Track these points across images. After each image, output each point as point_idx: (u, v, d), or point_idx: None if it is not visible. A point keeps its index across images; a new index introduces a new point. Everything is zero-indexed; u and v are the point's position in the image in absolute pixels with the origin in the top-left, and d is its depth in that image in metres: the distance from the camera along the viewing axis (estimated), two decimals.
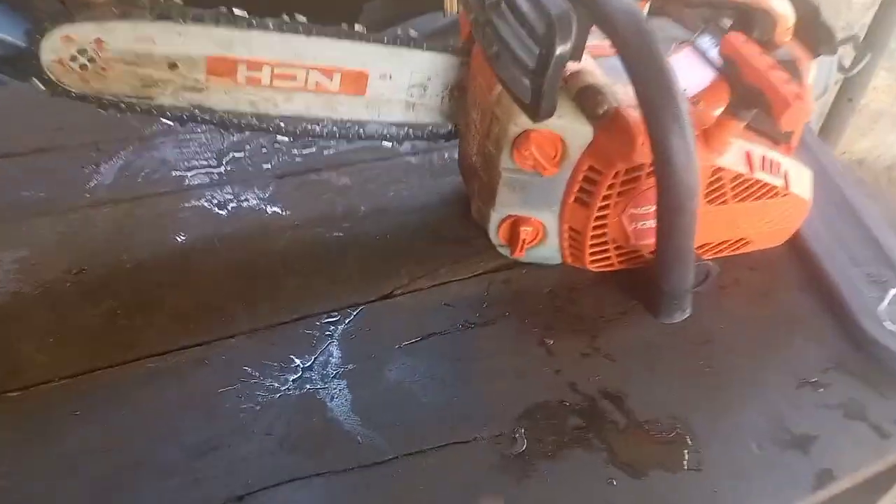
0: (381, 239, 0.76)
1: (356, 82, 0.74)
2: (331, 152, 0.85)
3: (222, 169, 0.82)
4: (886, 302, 0.74)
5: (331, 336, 0.66)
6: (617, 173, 0.65)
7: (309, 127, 0.78)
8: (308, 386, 0.62)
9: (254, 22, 0.67)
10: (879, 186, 0.93)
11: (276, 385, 0.62)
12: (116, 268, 0.70)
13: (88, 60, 0.64)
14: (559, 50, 0.53)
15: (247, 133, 0.74)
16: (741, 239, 0.75)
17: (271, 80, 0.71)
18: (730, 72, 0.65)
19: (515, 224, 0.72)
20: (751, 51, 0.64)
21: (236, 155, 0.83)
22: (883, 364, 0.70)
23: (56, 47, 0.63)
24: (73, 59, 0.64)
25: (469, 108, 0.75)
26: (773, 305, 0.75)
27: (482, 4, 0.65)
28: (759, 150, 0.71)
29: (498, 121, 0.67)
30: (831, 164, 0.90)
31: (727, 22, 0.77)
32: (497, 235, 0.73)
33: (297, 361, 0.64)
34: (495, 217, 0.72)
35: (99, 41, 0.64)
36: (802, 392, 0.66)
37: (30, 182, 0.78)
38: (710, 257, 0.76)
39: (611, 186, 0.66)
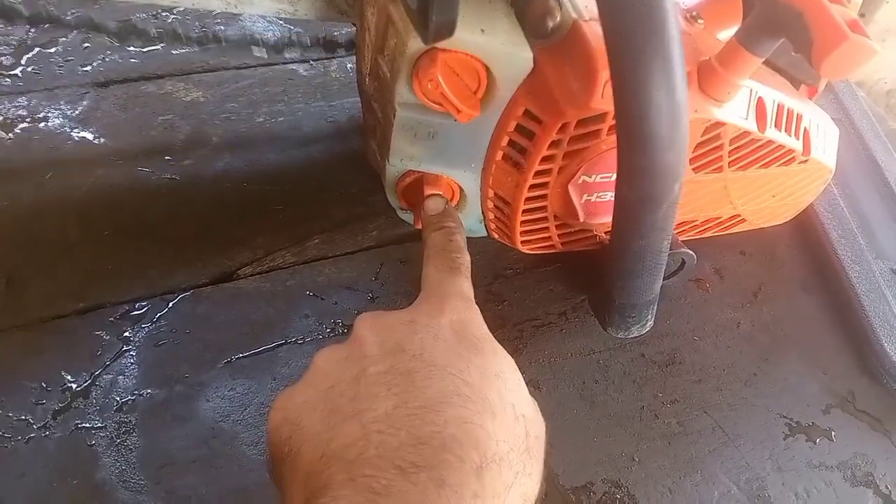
0: (233, 188, 0.54)
1: None
2: (181, 51, 0.61)
3: (20, 70, 0.58)
4: None
5: (127, 340, 0.45)
6: (565, 125, 0.43)
7: (135, 22, 0.54)
8: (77, 422, 0.41)
9: None
10: None
11: (29, 419, 0.41)
12: None
13: None
14: None
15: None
16: (735, 216, 0.55)
17: None
18: None
19: (418, 184, 0.50)
20: None
21: (44, 51, 0.59)
22: None
23: None
24: None
25: (365, 2, 0.52)
26: (765, 310, 0.55)
27: None
28: (775, 95, 0.49)
29: (395, 29, 0.44)
30: (857, 110, 0.69)
31: None
32: (395, 196, 0.51)
33: (68, 380, 0.43)
34: (392, 171, 0.50)
35: None
36: (794, 446, 0.48)
37: None
38: (690, 238, 0.55)
39: (555, 143, 0.44)
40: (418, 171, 0.50)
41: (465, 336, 0.33)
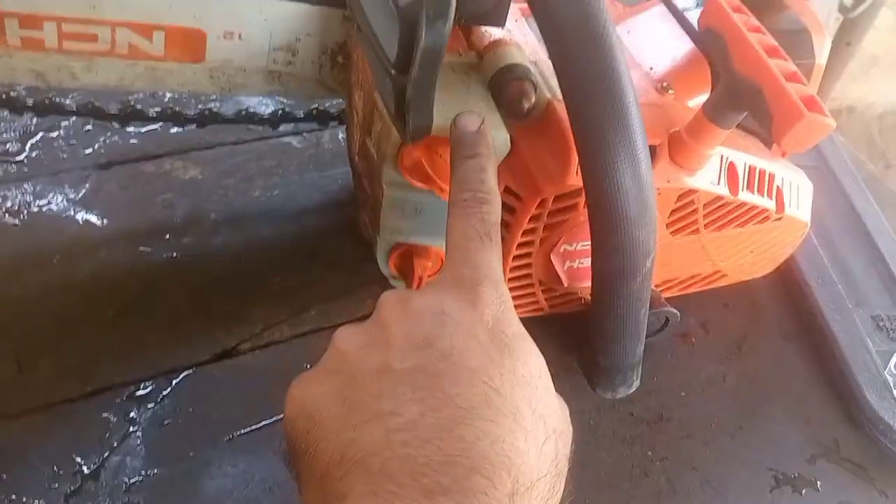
0: (231, 263, 0.56)
1: (189, 44, 0.52)
2: (178, 130, 0.64)
3: (24, 156, 0.60)
4: (895, 360, 0.57)
5: (133, 421, 0.47)
6: (543, 200, 0.46)
7: (131, 105, 0.57)
8: None
9: None
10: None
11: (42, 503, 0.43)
12: None
13: None
14: (428, 37, 0.33)
15: None
16: (716, 272, 0.57)
17: (59, 42, 0.50)
18: (714, 51, 0.45)
19: (408, 254, 0.52)
20: (747, 23, 0.44)
21: (48, 135, 0.62)
22: (885, 450, 0.53)
23: None
24: None
25: (353, 84, 0.54)
26: (750, 362, 0.57)
27: None
28: (746, 158, 0.51)
29: (380, 114, 0.47)
30: (835, 157, 0.71)
31: None
32: (387, 266, 0.54)
33: (79, 463, 0.45)
34: (383, 244, 0.52)
35: None
36: (780, 498, 0.50)
37: None
38: (674, 294, 0.57)
39: (535, 217, 0.47)
40: (407, 243, 0.52)
41: (497, 335, 0.30)
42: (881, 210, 0.68)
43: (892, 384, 0.55)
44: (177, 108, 0.58)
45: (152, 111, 0.58)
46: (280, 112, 0.59)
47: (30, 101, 0.57)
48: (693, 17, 0.54)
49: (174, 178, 0.60)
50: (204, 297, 0.54)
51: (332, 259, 0.57)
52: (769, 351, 0.58)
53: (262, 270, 0.56)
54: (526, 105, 0.45)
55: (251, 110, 0.60)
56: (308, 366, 0.50)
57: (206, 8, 0.50)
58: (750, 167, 0.51)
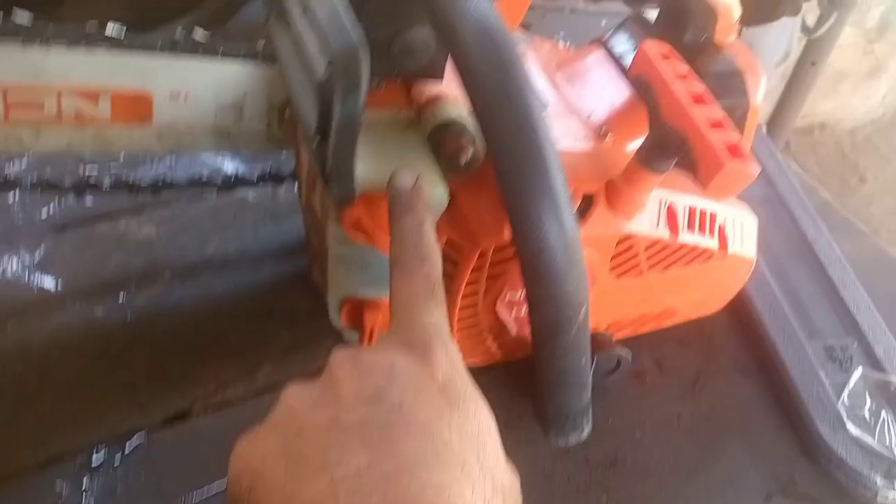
0: (185, 322, 0.56)
1: (136, 107, 0.53)
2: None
3: None
4: (848, 391, 0.57)
5: (86, 491, 0.47)
6: (483, 252, 0.46)
7: (84, 178, 0.58)
8: None
9: None
10: (849, 220, 0.75)
11: None
12: None
13: None
14: (342, 110, 0.33)
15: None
16: (665, 311, 0.57)
17: (6, 112, 0.50)
18: (645, 98, 0.46)
19: (359, 308, 0.52)
20: (673, 71, 0.45)
21: (3, 200, 0.62)
22: (841, 484, 0.53)
23: None
24: None
25: (299, 140, 0.55)
26: (705, 399, 0.57)
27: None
28: (686, 199, 0.52)
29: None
30: (786, 186, 0.72)
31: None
32: (339, 319, 0.54)
33: None
34: (333, 298, 0.53)
35: None
36: None
37: None
38: (626, 334, 0.58)
39: (477, 269, 0.47)
40: (357, 297, 0.52)
41: (447, 392, 0.31)
42: (833, 238, 0.69)
43: (845, 416, 0.55)
44: (130, 179, 0.58)
45: (106, 182, 0.58)
46: (234, 177, 0.59)
47: None
48: (628, 61, 0.55)
49: (129, 238, 0.61)
50: (158, 358, 0.54)
51: (288, 313, 0.58)
52: (724, 387, 0.58)
53: (216, 328, 0.56)
54: (463, 159, 0.45)
55: (205, 177, 0.61)
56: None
57: (151, 71, 0.51)
58: (690, 208, 0.52)
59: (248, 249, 0.62)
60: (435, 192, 0.45)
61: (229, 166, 0.67)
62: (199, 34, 0.52)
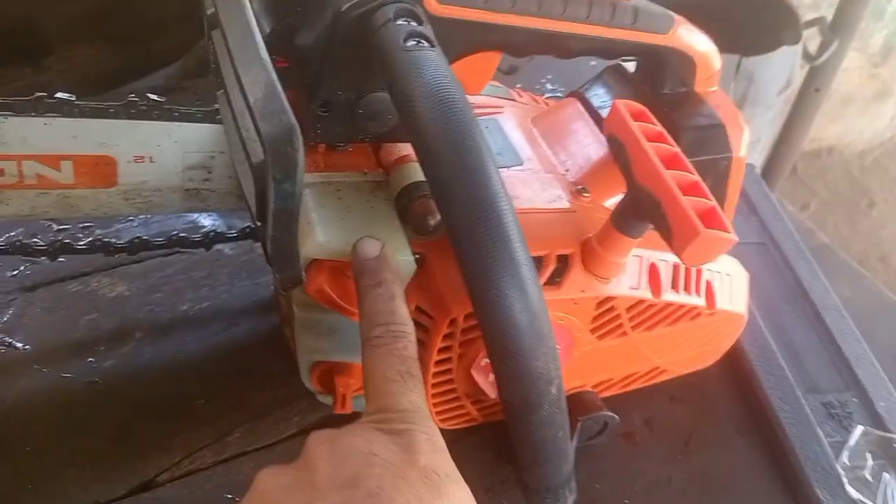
0: (154, 385, 0.54)
1: (99, 171, 0.51)
2: None
3: None
4: (848, 451, 0.54)
5: None
6: (454, 319, 0.44)
7: (59, 241, 0.56)
8: None
9: None
10: (853, 266, 0.73)
11: None
12: None
13: None
14: (277, 198, 0.32)
15: None
16: (654, 369, 0.55)
17: None
18: (619, 159, 0.44)
19: (330, 372, 0.50)
20: (646, 132, 0.43)
21: None
22: None
23: None
24: None
25: None
26: (697, 460, 0.54)
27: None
28: (669, 257, 0.50)
29: None
30: (781, 230, 0.70)
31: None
32: (310, 382, 0.52)
33: None
34: (302, 362, 0.51)
35: None
36: None
37: None
38: (615, 392, 0.55)
39: (448, 335, 0.45)
40: (326, 361, 0.50)
41: (428, 477, 0.30)
42: (832, 283, 0.66)
43: (844, 478, 0.52)
44: (105, 239, 0.57)
45: (81, 244, 0.57)
46: (212, 234, 0.58)
47: None
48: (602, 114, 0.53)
49: (100, 297, 0.59)
50: (124, 424, 0.52)
51: (260, 374, 0.56)
52: (718, 446, 0.56)
53: (186, 391, 0.54)
54: (431, 222, 0.44)
55: (181, 235, 0.59)
56: (229, 496, 0.49)
57: (113, 136, 0.50)
58: (674, 266, 0.50)
59: (223, 307, 0.60)
60: (402, 259, 0.43)
61: (206, 221, 0.65)
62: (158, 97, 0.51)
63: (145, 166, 0.52)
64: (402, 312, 0.37)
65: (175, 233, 0.59)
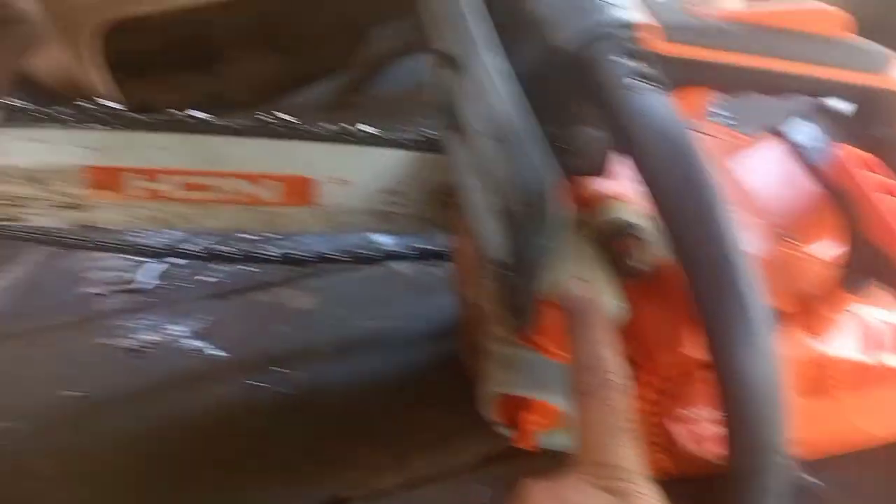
0: (338, 401, 0.56)
1: (300, 190, 0.54)
2: None
3: (155, 286, 0.64)
4: None
5: None
6: (655, 367, 0.43)
7: (252, 249, 0.59)
8: None
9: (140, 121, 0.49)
10: None
11: None
12: None
13: None
14: (534, 244, 0.32)
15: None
16: (859, 433, 0.51)
17: (182, 194, 0.53)
18: (843, 211, 0.42)
19: (515, 406, 0.50)
20: (873, 184, 0.40)
21: (173, 266, 0.65)
22: None
23: None
24: None
25: (458, 227, 0.54)
26: None
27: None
28: (882, 315, 0.47)
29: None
30: None
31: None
32: (490, 412, 0.52)
33: None
34: (488, 392, 0.51)
35: None
36: None
37: None
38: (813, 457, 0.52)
39: (647, 384, 0.44)
40: (512, 395, 0.50)
41: None
42: None
43: None
44: (295, 253, 0.60)
45: (275, 253, 0.60)
46: (391, 252, 0.60)
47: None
48: (812, 153, 0.50)
49: (286, 308, 0.62)
50: (313, 438, 0.54)
51: (437, 398, 0.56)
52: None
53: (367, 410, 0.56)
54: (639, 265, 0.43)
55: (363, 252, 0.61)
56: None
57: (309, 159, 0.53)
58: (889, 324, 0.47)
59: (401, 327, 0.61)
60: (613, 304, 0.43)
61: (384, 239, 0.67)
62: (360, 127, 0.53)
63: (342, 188, 0.54)
64: (617, 361, 0.36)
65: (356, 249, 0.61)
